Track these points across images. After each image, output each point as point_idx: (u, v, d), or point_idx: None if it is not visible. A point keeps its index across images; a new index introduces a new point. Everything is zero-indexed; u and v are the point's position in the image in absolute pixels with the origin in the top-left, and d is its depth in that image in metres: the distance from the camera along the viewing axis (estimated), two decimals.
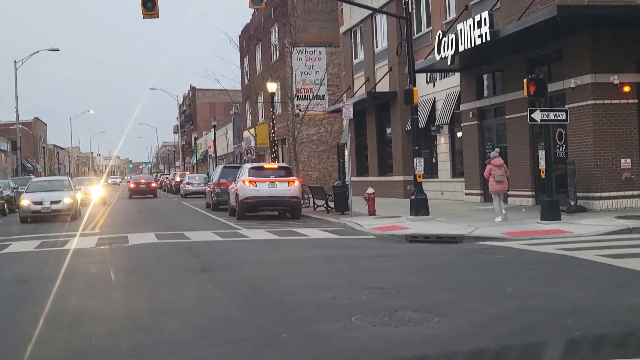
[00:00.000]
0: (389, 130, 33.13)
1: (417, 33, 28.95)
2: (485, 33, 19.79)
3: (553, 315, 7.44)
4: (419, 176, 20.10)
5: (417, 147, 20.62)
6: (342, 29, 38.06)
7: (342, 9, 38.02)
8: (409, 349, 6.41)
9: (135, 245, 16.32)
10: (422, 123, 27.30)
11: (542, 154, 17.35)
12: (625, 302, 8.02)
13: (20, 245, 17.34)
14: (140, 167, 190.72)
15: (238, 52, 52.19)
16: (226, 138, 71.65)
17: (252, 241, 17.06)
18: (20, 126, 60.12)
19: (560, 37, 19.40)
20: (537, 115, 16.74)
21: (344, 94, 36.52)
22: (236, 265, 12.50)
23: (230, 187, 26.98)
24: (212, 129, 69.02)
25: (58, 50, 55.16)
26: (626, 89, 19.13)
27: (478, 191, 24.95)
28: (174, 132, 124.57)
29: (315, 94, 39.98)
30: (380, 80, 32.28)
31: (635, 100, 19.33)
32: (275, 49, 46.43)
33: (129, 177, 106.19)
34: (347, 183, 24.18)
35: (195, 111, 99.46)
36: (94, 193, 39.38)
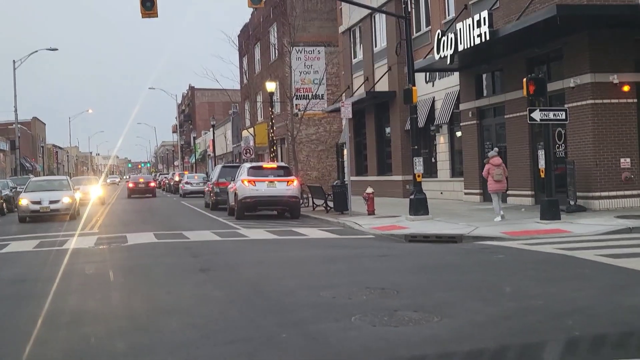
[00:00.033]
0: (388, 130, 33.12)
1: (416, 32, 28.93)
2: (485, 32, 19.77)
3: (553, 315, 7.43)
4: (418, 176, 20.09)
5: (416, 147, 20.61)
6: (341, 29, 38.04)
7: (341, 9, 38.00)
8: (409, 349, 6.39)
9: (134, 245, 16.30)
10: (421, 122, 27.29)
11: (541, 153, 17.35)
12: (625, 302, 8.01)
13: (19, 245, 17.32)
14: (139, 166, 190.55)
15: (237, 52, 52.13)
16: (225, 138, 71.62)
17: (251, 241, 17.05)
18: (19, 126, 60.07)
19: (560, 36, 19.39)
20: (537, 115, 16.73)
21: (343, 94, 36.52)
22: (235, 265, 12.48)
23: (229, 186, 26.96)
24: (211, 129, 69.02)
25: (57, 49, 55.21)
26: (625, 88, 19.12)
27: (477, 191, 24.95)
28: (173, 132, 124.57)
29: (314, 94, 39.97)
30: (379, 80, 32.26)
31: (635, 100, 19.33)
32: (274, 49, 46.41)
33: (127, 177, 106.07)
34: (346, 183, 24.16)
35: (194, 111, 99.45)
36: (93, 193, 39.38)
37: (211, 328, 7.44)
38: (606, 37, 19.00)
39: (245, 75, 52.69)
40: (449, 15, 26.62)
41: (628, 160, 19.12)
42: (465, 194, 25.92)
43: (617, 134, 19.10)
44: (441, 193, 28.07)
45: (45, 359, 6.70)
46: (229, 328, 7.43)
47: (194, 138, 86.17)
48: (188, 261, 13.29)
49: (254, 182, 23.86)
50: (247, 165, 26.69)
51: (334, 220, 21.28)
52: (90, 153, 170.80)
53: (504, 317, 7.48)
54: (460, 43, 21.01)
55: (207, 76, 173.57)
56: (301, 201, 26.13)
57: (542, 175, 17.28)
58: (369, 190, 22.62)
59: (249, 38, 52.83)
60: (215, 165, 52.52)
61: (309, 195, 27.80)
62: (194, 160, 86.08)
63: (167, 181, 68.51)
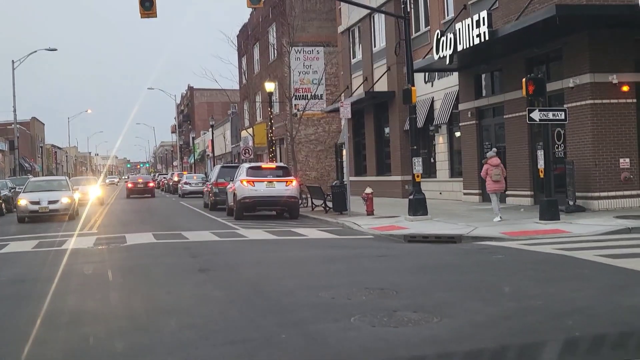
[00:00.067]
0: (387, 130, 33.11)
1: (415, 32, 28.92)
2: (484, 32, 19.76)
3: (552, 315, 7.43)
4: (418, 176, 20.09)
5: (415, 147, 20.61)
6: (340, 29, 38.03)
7: (340, 9, 37.99)
8: (408, 350, 6.39)
9: (133, 245, 16.29)
10: (420, 123, 27.28)
11: (540, 153, 17.34)
12: (624, 302, 8.01)
13: (18, 245, 17.30)
14: (138, 166, 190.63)
15: (236, 52, 52.17)
16: (224, 138, 71.61)
17: (250, 241, 17.04)
18: (18, 126, 60.07)
19: (559, 36, 19.39)
20: (536, 115, 16.73)
21: (342, 94, 36.51)
22: (235, 265, 12.47)
23: (228, 186, 26.96)
24: (210, 129, 69.04)
25: (56, 50, 55.21)
26: (625, 88, 19.12)
27: (476, 191, 24.95)
28: (172, 132, 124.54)
29: (313, 94, 39.96)
30: (378, 80, 32.25)
31: (634, 100, 19.33)
32: (273, 49, 46.38)
33: (126, 177, 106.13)
34: (345, 183, 24.14)
35: (193, 111, 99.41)
36: (92, 193, 39.33)
37: (211, 328, 7.43)
38: (605, 37, 19.00)
39: (244, 75, 52.68)
40: (448, 15, 26.62)
41: (627, 160, 19.12)
42: (465, 194, 25.92)
43: (616, 134, 19.10)
44: (440, 193, 28.07)
45: (44, 359, 6.69)
46: (229, 328, 7.42)
47: (193, 138, 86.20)
48: (187, 261, 13.28)
49: (253, 182, 23.86)
50: (246, 165, 26.68)
51: (333, 221, 21.27)
52: (90, 153, 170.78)
53: (503, 317, 7.48)
54: (460, 43, 21.01)
55: (206, 76, 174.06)
56: (300, 201, 26.12)
57: (542, 175, 17.28)
58: (368, 190, 22.62)
59: (248, 38, 52.81)
60: (214, 165, 52.54)
61: (308, 196, 27.79)
62: (192, 161, 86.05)
63: (166, 181, 68.50)
